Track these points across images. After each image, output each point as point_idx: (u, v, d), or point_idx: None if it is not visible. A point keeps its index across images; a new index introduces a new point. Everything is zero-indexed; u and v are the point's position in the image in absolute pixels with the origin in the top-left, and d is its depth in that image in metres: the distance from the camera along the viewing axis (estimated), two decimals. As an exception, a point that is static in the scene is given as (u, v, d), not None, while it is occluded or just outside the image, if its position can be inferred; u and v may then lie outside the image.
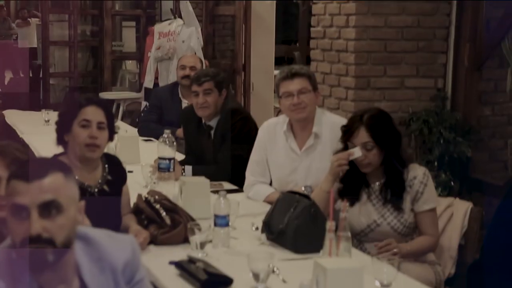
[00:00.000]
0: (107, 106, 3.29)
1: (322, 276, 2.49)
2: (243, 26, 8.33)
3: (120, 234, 2.21)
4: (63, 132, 3.22)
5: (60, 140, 3.25)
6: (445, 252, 3.72)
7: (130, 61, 11.74)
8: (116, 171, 3.35)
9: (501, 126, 5.35)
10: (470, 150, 5.08)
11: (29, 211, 1.91)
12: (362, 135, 3.40)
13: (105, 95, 9.37)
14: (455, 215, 3.79)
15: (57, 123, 3.28)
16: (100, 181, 3.27)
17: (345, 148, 3.49)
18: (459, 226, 3.75)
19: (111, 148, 4.80)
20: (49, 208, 1.93)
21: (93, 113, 3.19)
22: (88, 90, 10.24)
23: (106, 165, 3.32)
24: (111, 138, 3.28)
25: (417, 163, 3.81)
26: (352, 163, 3.47)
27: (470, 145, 5.11)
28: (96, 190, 3.25)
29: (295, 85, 3.89)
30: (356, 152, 3.42)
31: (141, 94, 8.94)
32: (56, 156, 3.18)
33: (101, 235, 2.14)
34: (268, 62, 9.03)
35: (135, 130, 6.04)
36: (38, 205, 1.92)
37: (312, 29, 5.75)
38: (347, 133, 3.46)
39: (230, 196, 3.65)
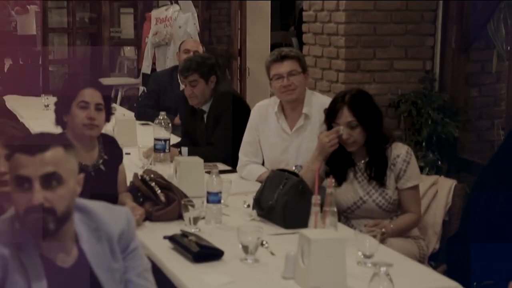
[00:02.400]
0: (104, 88, 3.43)
1: (306, 246, 2.64)
2: (239, 11, 8.46)
3: (116, 206, 2.35)
4: (62, 113, 3.37)
5: (59, 121, 3.40)
6: (429, 228, 3.86)
7: (129, 48, 11.84)
8: (112, 151, 3.50)
9: (488, 107, 5.48)
10: (458, 131, 5.22)
11: (31, 182, 2.06)
12: (346, 114, 3.53)
13: (103, 81, 9.47)
14: (439, 192, 3.93)
15: (56, 104, 3.42)
16: (97, 160, 3.41)
17: (329, 130, 3.62)
18: (444, 203, 3.89)
19: (109, 131, 4.95)
20: (50, 180, 2.08)
21: (91, 95, 3.32)
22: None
23: (103, 145, 3.46)
24: (108, 119, 3.42)
25: (406, 143, 3.95)
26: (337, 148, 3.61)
27: (457, 125, 5.24)
28: (93, 169, 3.39)
29: (285, 67, 4.04)
30: (341, 130, 3.55)
31: (139, 80, 9.07)
32: (55, 136, 3.33)
33: (98, 206, 2.29)
34: (264, 47, 9.15)
35: (132, 114, 6.17)
36: (40, 177, 2.07)
37: (304, 13, 5.89)
38: (331, 115, 3.59)
39: (224, 176, 3.82)
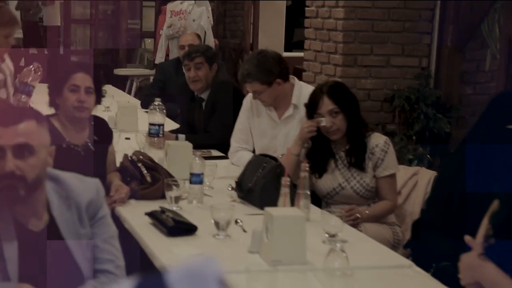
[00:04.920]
0: (95, 72, 3.62)
1: (270, 222, 2.82)
2: (252, 6, 8.64)
3: (87, 177, 2.54)
4: (54, 95, 3.57)
5: (52, 103, 3.60)
6: (408, 216, 4.02)
7: (149, 40, 12.07)
8: (102, 132, 3.69)
9: (482, 105, 5.59)
10: (449, 126, 5.36)
11: (5, 152, 2.26)
12: (326, 103, 3.70)
13: (119, 71, 9.75)
14: (419, 183, 4.08)
15: (49, 87, 3.63)
16: (87, 141, 3.61)
17: None
18: (423, 193, 4.04)
19: (111, 116, 5.17)
20: (22, 150, 2.28)
21: (81, 79, 3.52)
22: (106, 67, 10.63)
23: (94, 127, 3.66)
24: (98, 101, 3.62)
25: (399, 137, 4.10)
26: (317, 139, 3.77)
27: (450, 121, 5.38)
28: (82, 149, 3.59)
29: (249, 87, 4.26)
30: (324, 121, 3.72)
31: (154, 71, 9.28)
32: (48, 116, 3.53)
33: (70, 177, 2.48)
34: (277, 42, 9.34)
35: (137, 101, 6.38)
36: (13, 147, 2.27)
37: (306, 8, 6.06)
38: (312, 106, 3.76)
39: (217, 161, 4.02)
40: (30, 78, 4.76)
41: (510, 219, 2.41)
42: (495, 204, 2.48)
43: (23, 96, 4.76)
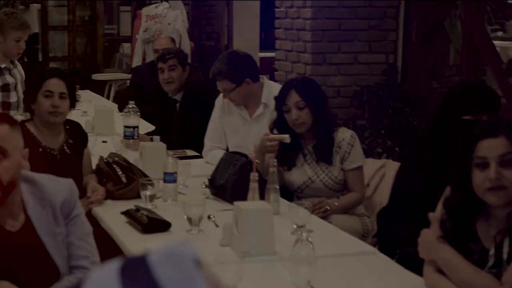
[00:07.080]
0: (68, 78, 3.74)
1: (239, 216, 2.97)
2: (226, 8, 8.77)
3: (60, 178, 2.67)
4: (29, 101, 3.69)
5: (28, 108, 3.73)
6: (376, 207, 4.15)
7: (127, 45, 12.16)
8: (77, 136, 3.81)
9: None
10: (416, 119, 5.52)
11: None
12: (293, 96, 3.84)
13: (97, 76, 9.86)
14: (387, 175, 4.23)
15: (24, 93, 3.75)
16: (62, 144, 3.73)
17: (279, 118, 3.92)
18: (390, 184, 4.19)
19: (88, 120, 5.30)
20: None
21: (55, 85, 3.64)
22: (85, 73, 10.74)
23: (69, 131, 3.78)
24: (73, 106, 3.74)
25: (368, 132, 4.24)
26: (286, 133, 3.90)
27: (417, 115, 5.55)
28: (58, 152, 3.71)
29: (219, 86, 4.40)
30: (286, 138, 3.85)
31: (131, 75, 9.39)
32: (23, 122, 3.66)
33: (44, 178, 2.61)
34: (253, 44, 9.45)
35: (114, 105, 6.50)
36: None
37: (276, 9, 6.21)
38: (280, 99, 3.91)
39: (192, 161, 4.16)
40: None
41: (460, 205, 2.56)
42: (447, 190, 2.65)
43: None
